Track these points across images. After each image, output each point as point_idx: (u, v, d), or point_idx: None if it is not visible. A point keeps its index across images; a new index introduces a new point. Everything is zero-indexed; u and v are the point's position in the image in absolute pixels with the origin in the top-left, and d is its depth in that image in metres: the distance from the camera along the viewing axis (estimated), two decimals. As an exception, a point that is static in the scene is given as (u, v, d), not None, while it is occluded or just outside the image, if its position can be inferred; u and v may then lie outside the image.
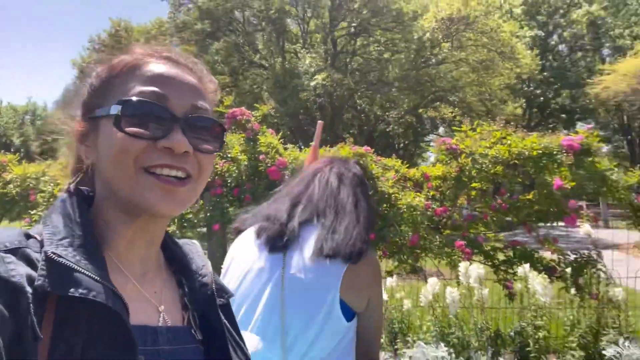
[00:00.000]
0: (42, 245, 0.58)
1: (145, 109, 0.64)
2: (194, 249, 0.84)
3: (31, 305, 0.52)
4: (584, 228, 3.62)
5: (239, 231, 1.44)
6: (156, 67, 0.68)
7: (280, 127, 21.82)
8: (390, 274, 3.87)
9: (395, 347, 3.06)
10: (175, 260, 0.79)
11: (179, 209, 0.66)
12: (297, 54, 21.04)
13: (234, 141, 4.07)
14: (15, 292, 0.51)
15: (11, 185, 4.37)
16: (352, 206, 1.32)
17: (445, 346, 2.83)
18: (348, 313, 1.23)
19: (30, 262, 0.55)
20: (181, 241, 0.85)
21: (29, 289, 0.52)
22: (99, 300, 0.56)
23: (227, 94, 20.46)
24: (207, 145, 0.68)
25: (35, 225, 0.66)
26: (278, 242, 1.27)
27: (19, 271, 0.53)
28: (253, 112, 4.15)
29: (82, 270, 0.56)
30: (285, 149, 4.18)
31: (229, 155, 4.04)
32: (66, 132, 0.73)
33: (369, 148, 4.09)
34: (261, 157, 3.81)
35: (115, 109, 0.63)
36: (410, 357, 2.83)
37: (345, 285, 1.21)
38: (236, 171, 3.90)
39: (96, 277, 0.57)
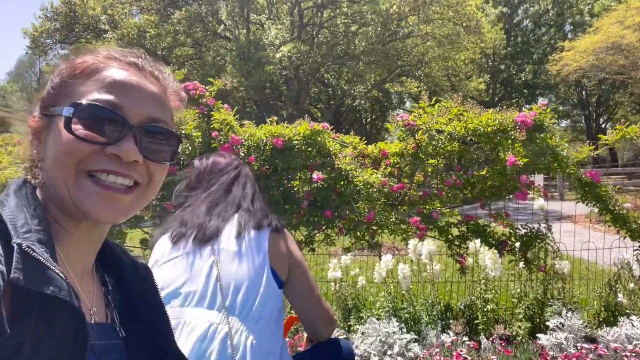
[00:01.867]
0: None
1: (97, 113, 0.63)
2: (119, 249, 0.84)
3: (1, 299, 0.50)
4: (538, 202, 3.70)
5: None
6: (117, 72, 0.67)
7: (246, 101, 21.47)
8: (347, 250, 3.89)
9: (349, 323, 3.09)
10: (103, 257, 0.78)
11: (119, 217, 0.65)
12: (262, 26, 20.52)
13: (188, 117, 3.94)
14: None
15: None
16: (256, 197, 1.55)
17: (396, 321, 2.87)
18: (277, 280, 1.35)
19: None
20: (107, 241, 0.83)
21: (1, 283, 0.50)
22: (67, 300, 0.55)
23: (190, 66, 19.85)
24: (159, 155, 0.68)
25: None
26: (204, 237, 1.38)
27: None
28: (207, 87, 4.01)
29: (52, 268, 0.55)
30: (242, 125, 4.07)
31: (182, 132, 3.91)
32: (26, 125, 0.70)
33: (326, 124, 4.03)
34: (214, 134, 3.71)
35: (67, 111, 0.62)
36: (362, 333, 2.86)
37: (271, 252, 1.36)
38: (189, 148, 3.78)
39: (63, 276, 0.56)
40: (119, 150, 0.63)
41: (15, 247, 0.54)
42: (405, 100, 29.23)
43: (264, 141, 3.83)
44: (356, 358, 2.74)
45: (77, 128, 0.62)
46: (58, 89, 0.67)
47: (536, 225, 3.76)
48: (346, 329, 3.05)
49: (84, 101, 0.63)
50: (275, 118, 4.30)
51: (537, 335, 2.94)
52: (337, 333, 2.89)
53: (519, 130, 3.75)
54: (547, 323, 3.02)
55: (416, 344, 2.83)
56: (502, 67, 27.88)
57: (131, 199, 0.66)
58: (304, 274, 1.42)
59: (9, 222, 0.57)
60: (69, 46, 20.50)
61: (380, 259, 3.20)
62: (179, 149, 0.73)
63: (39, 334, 0.54)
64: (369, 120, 31.25)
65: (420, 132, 3.89)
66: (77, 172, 0.62)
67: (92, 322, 0.70)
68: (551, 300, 3.23)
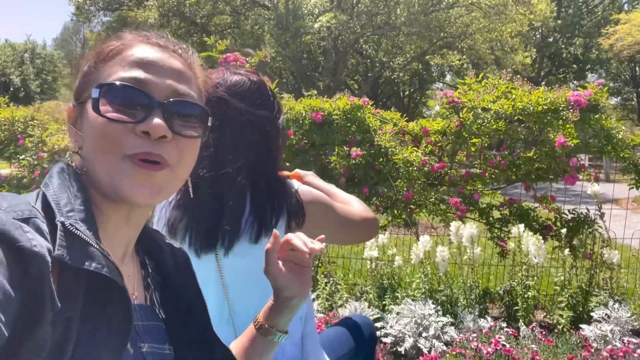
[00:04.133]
0: (44, 215, 0.58)
1: (123, 93, 0.63)
2: (158, 234, 0.84)
3: (50, 275, 0.51)
4: (592, 188, 3.48)
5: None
6: (139, 50, 0.67)
7: (283, 71, 21.32)
8: (383, 228, 3.83)
9: (384, 302, 3.06)
10: (142, 242, 0.78)
11: (156, 197, 0.64)
12: (301, -6, 20.11)
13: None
14: (36, 262, 0.51)
15: (-1, 129, 4.27)
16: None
17: (432, 303, 2.83)
18: None
19: (41, 233, 0.55)
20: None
21: (49, 259, 0.52)
22: (111, 277, 0.56)
23: (228, 34, 19.80)
24: (188, 131, 0.67)
25: (28, 193, 0.65)
26: (207, 240, 1.14)
27: (38, 241, 0.52)
28: (247, 58, 3.95)
29: (95, 245, 0.57)
30: (281, 98, 4.02)
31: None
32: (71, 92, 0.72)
33: (367, 100, 3.93)
34: (253, 106, 3.67)
35: (94, 93, 0.62)
36: (397, 313, 2.84)
37: None
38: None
39: (106, 254, 0.57)
40: (147, 126, 0.62)
41: (59, 225, 0.55)
42: (445, 73, 28.35)
43: (303, 115, 3.77)
44: (390, 338, 2.73)
45: (107, 110, 0.62)
46: (87, 76, 0.68)
47: (584, 210, 3.58)
48: (381, 307, 3.04)
49: (109, 81, 0.63)
50: (315, 92, 4.23)
51: (580, 325, 2.84)
52: (372, 312, 2.87)
53: (571, 110, 3.54)
54: (591, 314, 2.91)
55: (452, 327, 2.79)
56: (550, 40, 26.48)
57: (163, 176, 0.64)
58: (332, 226, 1.23)
59: (52, 201, 0.58)
60: (112, 13, 20.79)
61: (417, 238, 3.13)
62: (209, 124, 0.71)
63: (86, 310, 0.55)
64: (407, 93, 30.55)
65: (464, 110, 3.73)
66: (118, 157, 0.62)
67: (134, 303, 0.71)
68: (597, 290, 3.11)
